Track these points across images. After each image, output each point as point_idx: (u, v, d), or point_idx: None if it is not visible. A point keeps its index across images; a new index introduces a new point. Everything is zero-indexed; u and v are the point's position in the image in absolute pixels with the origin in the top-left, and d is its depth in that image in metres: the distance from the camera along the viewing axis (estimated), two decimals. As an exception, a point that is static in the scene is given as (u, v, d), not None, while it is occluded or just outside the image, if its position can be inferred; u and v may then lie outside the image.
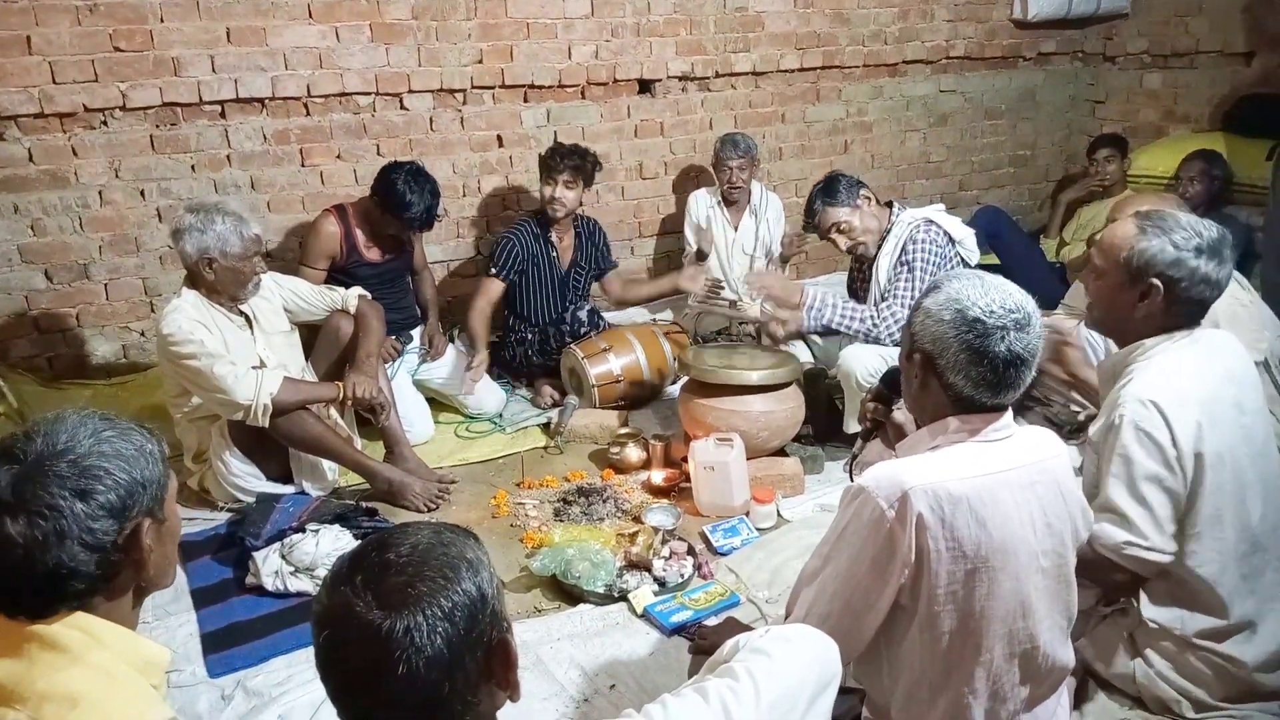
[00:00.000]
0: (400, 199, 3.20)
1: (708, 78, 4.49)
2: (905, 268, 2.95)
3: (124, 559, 1.10)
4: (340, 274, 3.34)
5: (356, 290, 3.15)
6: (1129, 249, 1.77)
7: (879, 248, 3.06)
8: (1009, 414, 1.48)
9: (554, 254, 3.72)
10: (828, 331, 3.11)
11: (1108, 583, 1.81)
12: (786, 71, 4.68)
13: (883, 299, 3.02)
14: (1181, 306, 1.77)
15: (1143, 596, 1.82)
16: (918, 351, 1.48)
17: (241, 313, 2.81)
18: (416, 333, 3.60)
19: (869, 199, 3.06)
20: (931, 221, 3.00)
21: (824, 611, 1.45)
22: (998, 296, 1.42)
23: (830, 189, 3.05)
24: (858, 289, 3.26)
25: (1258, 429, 1.81)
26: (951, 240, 3.02)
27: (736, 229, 4.19)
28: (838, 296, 3.08)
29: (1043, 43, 5.35)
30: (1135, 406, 1.70)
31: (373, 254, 3.40)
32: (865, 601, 1.42)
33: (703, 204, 4.22)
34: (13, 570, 1.03)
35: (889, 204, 3.13)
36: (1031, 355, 1.42)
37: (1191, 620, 1.78)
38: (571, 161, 3.56)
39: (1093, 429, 1.84)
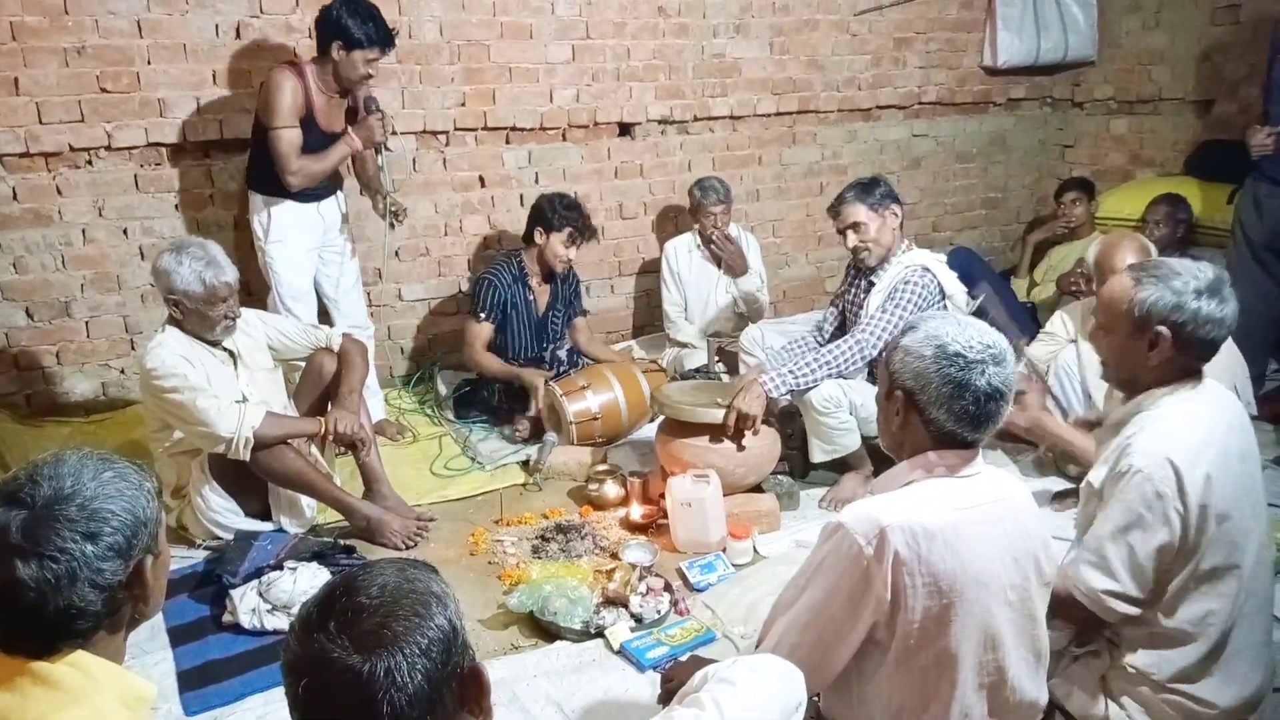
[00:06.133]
0: (347, 31, 3.05)
1: (686, 121, 4.58)
2: (891, 304, 2.96)
3: (127, 595, 1.14)
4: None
5: (341, 328, 3.17)
6: (1128, 301, 1.76)
7: (877, 279, 3.06)
8: (980, 452, 1.53)
9: (531, 296, 3.79)
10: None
11: (1072, 619, 1.81)
12: (763, 116, 4.78)
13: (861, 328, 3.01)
14: (1192, 349, 1.75)
15: (1122, 643, 1.81)
16: (898, 389, 1.52)
17: (225, 349, 2.83)
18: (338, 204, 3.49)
19: (896, 215, 3.03)
20: (928, 270, 3.00)
21: (795, 641, 1.49)
22: (974, 334, 1.48)
23: (868, 189, 3.01)
24: (848, 313, 3.27)
25: (1256, 478, 1.80)
26: (943, 294, 3.02)
27: (720, 270, 4.25)
28: (785, 367, 2.97)
29: (1012, 89, 5.50)
30: (1146, 459, 1.69)
31: (331, 123, 3.25)
32: (837, 634, 1.46)
33: (682, 251, 4.28)
34: (25, 611, 1.06)
35: (906, 239, 3.11)
36: (1009, 389, 1.48)
37: (1167, 663, 1.77)
38: (585, 222, 3.69)
39: (1095, 475, 1.82)
